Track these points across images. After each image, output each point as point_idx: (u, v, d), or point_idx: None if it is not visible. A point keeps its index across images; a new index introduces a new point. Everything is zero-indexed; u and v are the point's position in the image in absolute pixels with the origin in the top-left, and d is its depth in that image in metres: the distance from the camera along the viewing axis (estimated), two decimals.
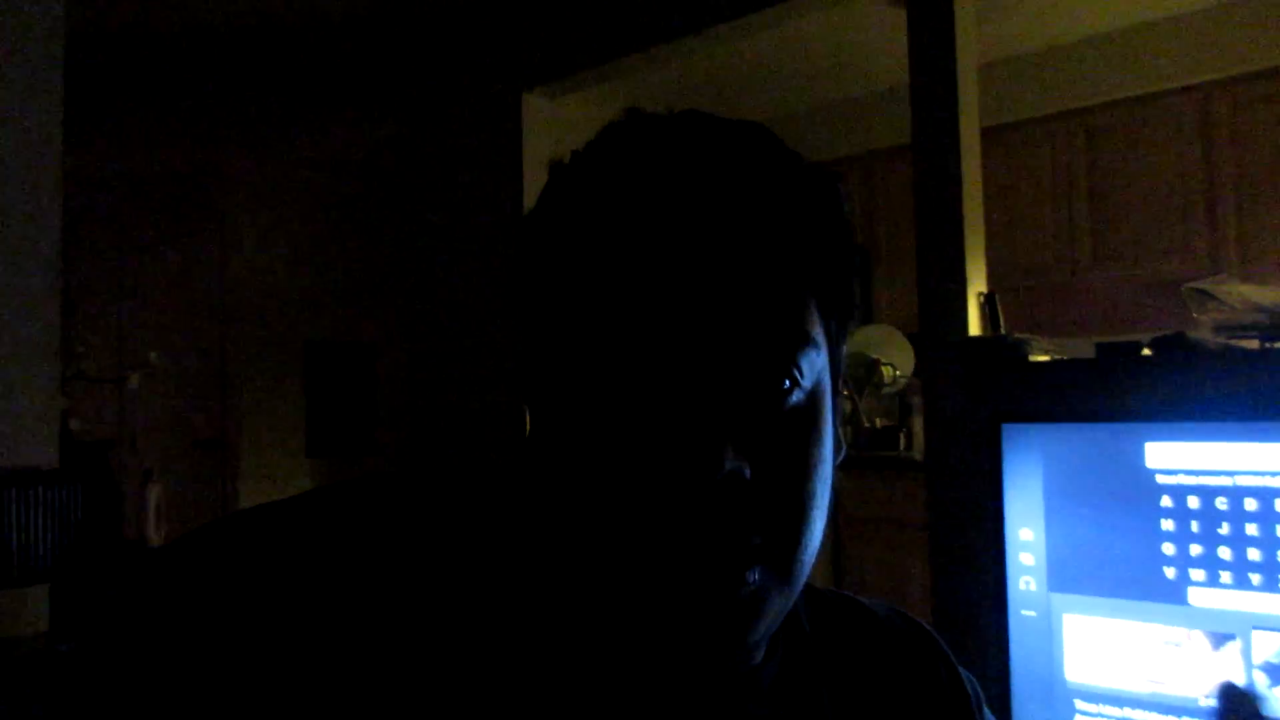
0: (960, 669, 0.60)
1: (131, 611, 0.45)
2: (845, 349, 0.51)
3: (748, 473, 0.42)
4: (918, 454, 3.42)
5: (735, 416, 0.43)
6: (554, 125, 3.64)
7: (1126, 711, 1.43)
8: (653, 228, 0.44)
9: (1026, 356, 2.01)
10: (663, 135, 0.47)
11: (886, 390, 3.67)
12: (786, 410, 0.44)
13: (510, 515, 0.49)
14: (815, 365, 0.46)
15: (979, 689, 0.60)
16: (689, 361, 0.42)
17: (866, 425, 3.70)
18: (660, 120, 0.48)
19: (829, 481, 0.47)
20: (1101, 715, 1.45)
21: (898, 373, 3.59)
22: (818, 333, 0.46)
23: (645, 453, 0.42)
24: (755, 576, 0.43)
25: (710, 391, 0.42)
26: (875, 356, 3.56)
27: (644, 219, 0.44)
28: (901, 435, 3.67)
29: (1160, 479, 1.42)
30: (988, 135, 2.53)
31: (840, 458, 0.50)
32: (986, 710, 0.60)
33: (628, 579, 0.43)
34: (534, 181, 3.52)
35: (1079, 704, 1.47)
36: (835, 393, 0.50)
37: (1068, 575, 1.49)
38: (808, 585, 0.52)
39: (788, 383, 0.44)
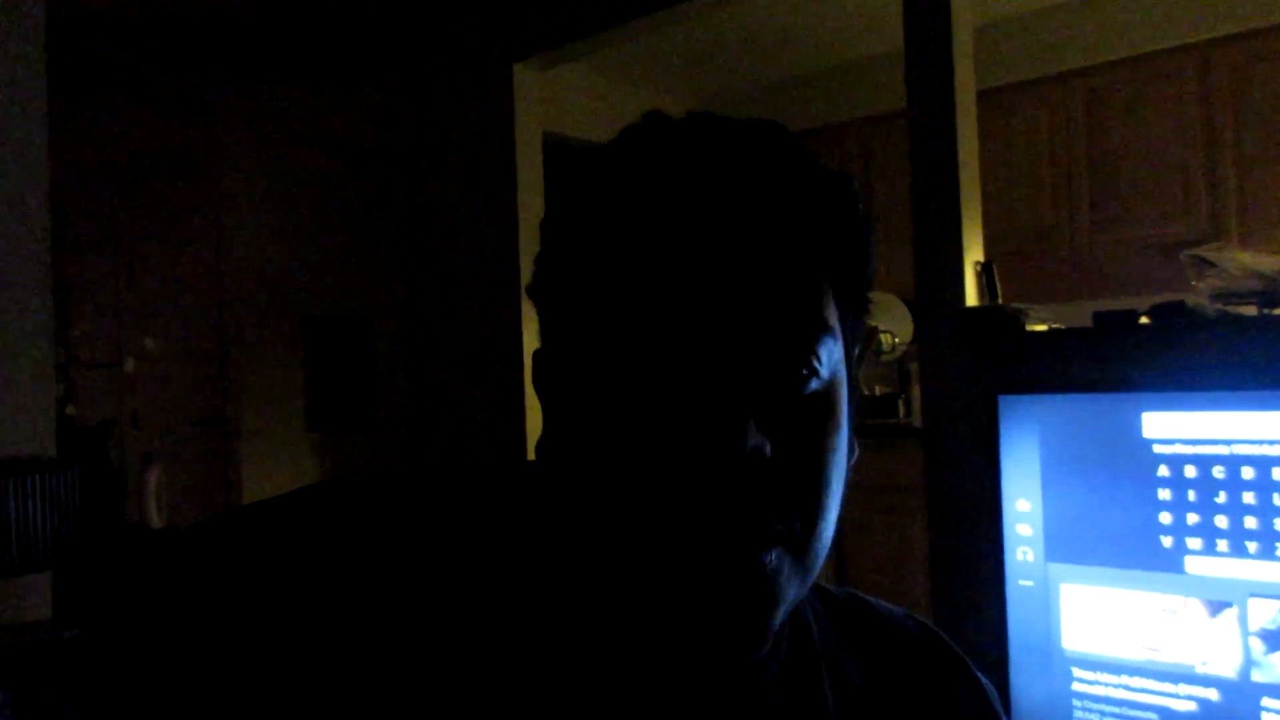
0: (980, 677, 0.60)
1: (139, 602, 0.46)
2: (859, 349, 0.52)
3: (769, 451, 0.43)
4: (917, 421, 3.42)
5: (757, 398, 0.43)
6: (546, 96, 3.61)
7: (1123, 679, 1.44)
8: (678, 223, 0.45)
9: (1023, 326, 2.00)
10: (683, 135, 0.48)
11: (885, 358, 3.67)
12: (805, 396, 0.45)
13: (523, 504, 0.50)
14: (833, 355, 0.47)
15: (997, 699, 0.59)
16: (713, 346, 0.43)
17: (866, 393, 3.70)
18: (678, 122, 0.49)
19: (844, 472, 0.48)
20: (1099, 683, 1.46)
21: (896, 340, 3.58)
22: (835, 323, 0.47)
23: (668, 430, 0.43)
24: (773, 558, 0.43)
25: (733, 373, 0.43)
26: (874, 324, 3.55)
27: (669, 215, 0.45)
28: (901, 402, 3.68)
29: (1157, 448, 1.42)
30: (984, 98, 2.50)
31: (853, 458, 0.50)
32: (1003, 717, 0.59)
33: (646, 555, 0.43)
34: (526, 152, 3.49)
35: (1076, 672, 1.48)
36: (852, 388, 0.50)
37: (1065, 545, 1.50)
38: (817, 584, 0.52)
39: (806, 369, 0.45)
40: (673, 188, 0.45)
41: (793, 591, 0.45)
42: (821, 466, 0.46)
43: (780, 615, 0.45)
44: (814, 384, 0.45)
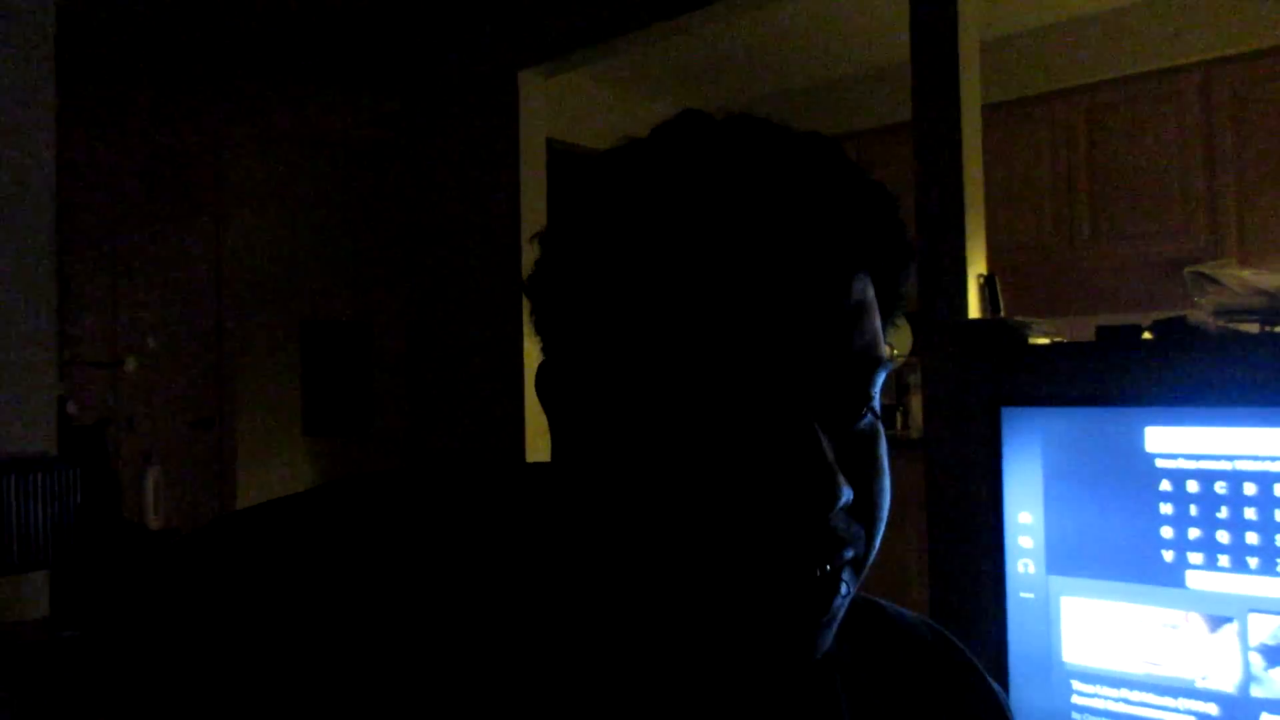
0: (992, 683, 0.60)
1: (141, 605, 0.46)
2: None
3: (851, 498, 0.43)
4: (915, 433, 3.43)
5: (836, 443, 0.43)
6: (549, 103, 3.62)
7: (1123, 692, 1.44)
8: (743, 241, 0.42)
9: (1026, 339, 2.00)
10: (736, 144, 0.45)
11: None
12: (862, 428, 0.45)
13: (527, 513, 0.49)
14: (881, 382, 0.47)
15: (1008, 702, 0.60)
16: (783, 381, 0.42)
17: None
18: (723, 125, 0.46)
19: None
20: (1098, 696, 1.46)
21: (895, 351, 3.58)
22: (886, 352, 0.47)
23: (752, 476, 0.42)
24: (844, 590, 0.44)
25: (809, 415, 0.42)
26: None
27: (734, 233, 0.43)
28: (898, 414, 3.69)
29: (1160, 463, 1.42)
30: (986, 113, 2.52)
31: None
32: None
33: (713, 588, 0.42)
34: (530, 159, 3.50)
35: (1076, 685, 1.48)
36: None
37: (1066, 558, 1.50)
38: None
39: (866, 405, 0.45)
40: (734, 203, 0.43)
41: (845, 609, 0.46)
42: (881, 493, 0.45)
43: (833, 634, 0.45)
44: (869, 415, 0.45)
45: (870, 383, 0.45)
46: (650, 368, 0.43)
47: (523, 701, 0.44)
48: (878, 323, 0.46)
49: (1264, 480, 1.36)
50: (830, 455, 0.42)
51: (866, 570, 0.46)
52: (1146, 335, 1.84)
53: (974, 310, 2.27)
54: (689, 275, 0.43)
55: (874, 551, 0.46)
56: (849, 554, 0.44)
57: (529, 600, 0.46)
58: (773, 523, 0.42)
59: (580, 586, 0.47)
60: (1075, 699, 1.49)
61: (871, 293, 0.46)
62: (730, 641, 0.43)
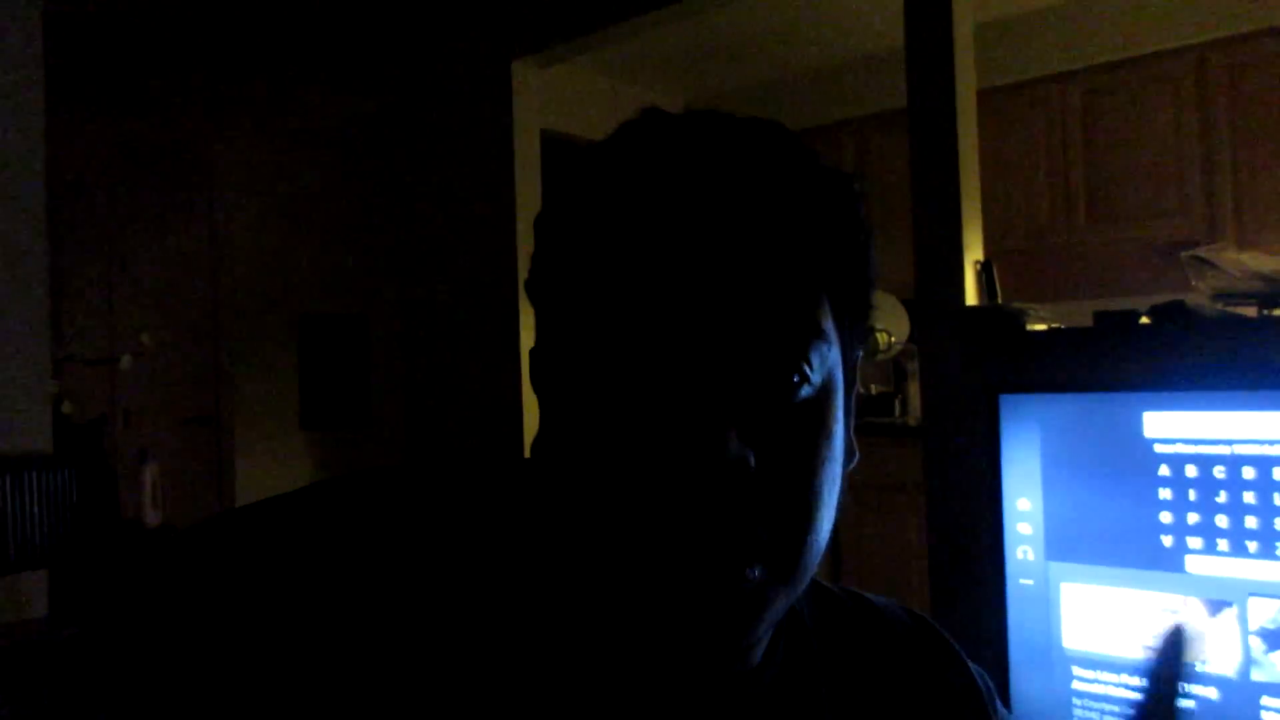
0: (971, 665, 0.60)
1: (138, 602, 0.46)
2: (860, 354, 0.51)
3: (753, 461, 0.41)
4: (913, 420, 3.43)
5: (742, 405, 0.42)
6: (543, 93, 3.60)
7: (1123, 678, 1.44)
8: (670, 222, 0.43)
9: (1024, 326, 2.00)
10: (680, 133, 0.46)
11: (881, 357, 3.67)
12: (796, 404, 0.44)
13: (516, 508, 0.49)
14: (826, 360, 0.45)
15: (990, 683, 0.60)
16: (698, 351, 0.42)
17: (861, 391, 3.71)
18: (676, 119, 0.47)
19: (837, 482, 0.47)
20: (1098, 681, 1.46)
21: (892, 339, 3.58)
22: (829, 327, 0.46)
23: (650, 439, 0.42)
24: (756, 573, 0.42)
25: (718, 379, 0.42)
26: (870, 323, 3.55)
27: (662, 214, 0.44)
28: (896, 401, 3.69)
29: (1158, 448, 1.42)
30: (981, 98, 2.51)
31: (852, 464, 0.49)
32: (999, 703, 0.60)
33: (626, 566, 0.42)
34: (524, 149, 3.49)
35: (1076, 670, 1.48)
36: (849, 394, 0.49)
37: (1065, 544, 1.50)
38: (815, 581, 0.52)
39: (797, 376, 0.44)
40: (667, 187, 0.44)
41: (778, 605, 0.44)
42: (811, 477, 0.44)
43: (763, 629, 0.45)
44: (805, 391, 0.44)
45: (798, 353, 0.44)
46: (594, 347, 0.44)
47: (508, 699, 0.44)
48: (817, 297, 0.45)
49: (1263, 464, 1.35)
50: (727, 419, 0.41)
51: (804, 561, 0.45)
52: (1144, 320, 1.84)
53: (971, 297, 2.27)
54: (625, 259, 0.44)
55: (807, 539, 0.45)
56: (764, 537, 0.43)
57: (517, 596, 0.46)
58: (660, 481, 0.41)
59: (554, 576, 0.47)
60: (1076, 684, 1.49)
61: (813, 268, 0.45)
62: (645, 619, 0.43)
